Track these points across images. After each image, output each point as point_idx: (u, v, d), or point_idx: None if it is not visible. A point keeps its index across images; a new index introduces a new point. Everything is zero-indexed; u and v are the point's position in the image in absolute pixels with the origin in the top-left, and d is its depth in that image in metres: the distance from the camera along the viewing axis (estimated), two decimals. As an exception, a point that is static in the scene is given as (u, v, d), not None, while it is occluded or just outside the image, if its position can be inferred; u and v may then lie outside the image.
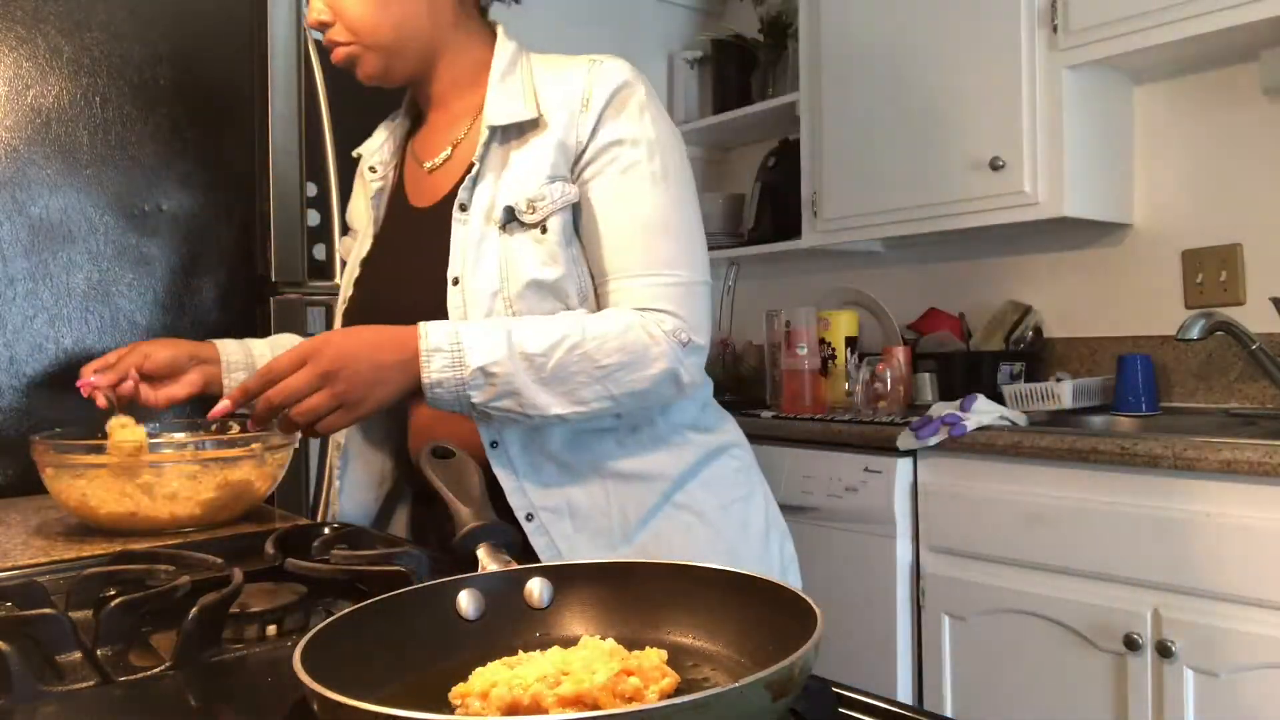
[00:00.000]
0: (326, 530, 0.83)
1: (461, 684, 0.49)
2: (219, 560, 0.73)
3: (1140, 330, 2.27)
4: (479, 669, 0.50)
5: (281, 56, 1.52)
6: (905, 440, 1.92)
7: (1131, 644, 1.61)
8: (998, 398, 2.12)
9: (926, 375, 2.38)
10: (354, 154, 1.26)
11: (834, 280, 2.81)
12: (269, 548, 0.78)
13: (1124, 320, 2.31)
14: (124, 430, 1.06)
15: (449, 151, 1.11)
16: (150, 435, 1.11)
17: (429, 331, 0.91)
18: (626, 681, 0.47)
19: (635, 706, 0.44)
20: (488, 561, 0.64)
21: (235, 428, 1.15)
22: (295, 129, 1.54)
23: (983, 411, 1.91)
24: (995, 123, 2.16)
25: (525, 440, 1.01)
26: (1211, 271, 2.15)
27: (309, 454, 1.61)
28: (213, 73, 1.48)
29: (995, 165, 2.15)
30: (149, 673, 0.57)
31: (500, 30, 1.15)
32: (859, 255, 2.78)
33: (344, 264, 1.26)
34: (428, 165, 1.13)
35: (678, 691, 0.49)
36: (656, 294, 1.00)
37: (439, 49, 1.11)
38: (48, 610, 0.61)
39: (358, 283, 1.15)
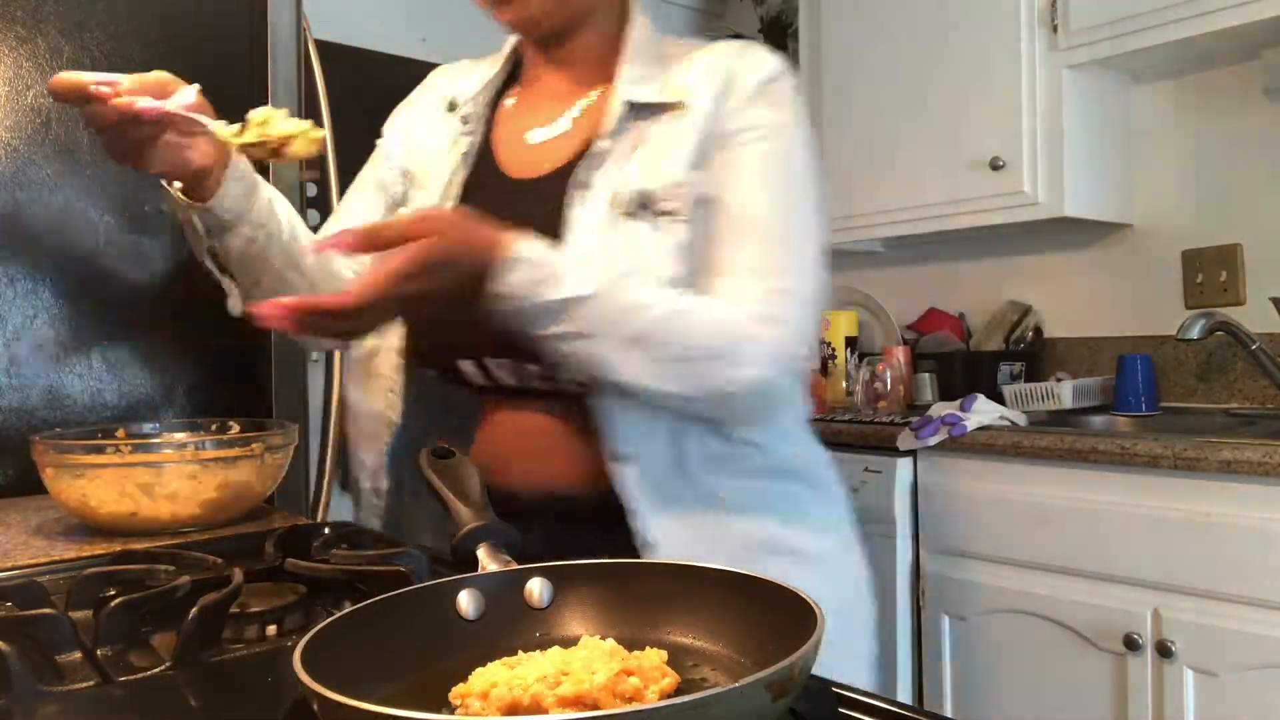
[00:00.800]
0: (326, 530, 0.83)
1: (461, 684, 0.49)
2: (219, 560, 0.73)
3: (1140, 330, 2.27)
4: (479, 669, 0.50)
5: (281, 56, 1.52)
6: (905, 440, 1.92)
7: (1131, 644, 1.61)
8: (998, 398, 2.12)
9: (926, 375, 2.38)
10: (433, 74, 1.15)
11: (834, 280, 2.81)
12: (269, 548, 0.78)
13: (1124, 320, 2.31)
14: (272, 122, 0.91)
15: (568, 123, 1.00)
16: (150, 435, 1.11)
17: (521, 242, 0.79)
18: (626, 681, 0.47)
19: (635, 706, 0.44)
20: (488, 561, 0.64)
21: (235, 427, 1.14)
22: (295, 129, 1.53)
23: (983, 411, 1.91)
24: (995, 123, 2.16)
25: (657, 461, 0.90)
26: (1211, 271, 2.15)
27: (309, 454, 1.61)
28: (213, 73, 1.47)
29: (995, 165, 2.15)
30: (149, 673, 0.57)
31: (637, 4, 1.07)
32: (859, 255, 2.78)
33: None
34: (536, 135, 1.01)
35: (678, 691, 0.49)
36: (769, 298, 0.89)
37: (593, 6, 1.02)
38: (48, 610, 0.61)
39: None
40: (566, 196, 0.92)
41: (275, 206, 1.00)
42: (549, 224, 0.90)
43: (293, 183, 1.52)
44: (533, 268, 0.78)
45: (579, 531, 0.92)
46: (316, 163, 1.67)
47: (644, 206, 0.90)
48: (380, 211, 1.11)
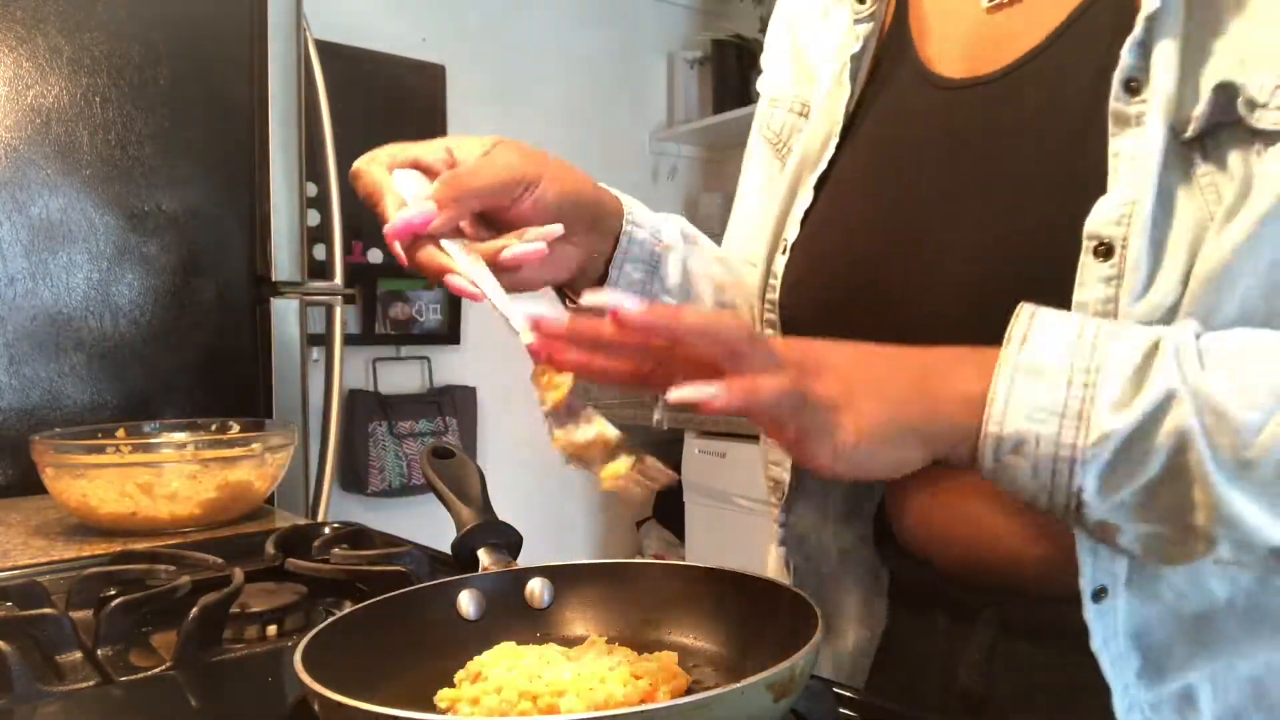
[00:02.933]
0: (326, 530, 0.83)
1: (449, 689, 0.49)
2: (219, 560, 0.73)
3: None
4: (476, 657, 0.51)
5: (281, 57, 1.52)
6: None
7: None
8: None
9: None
10: None
11: None
12: (269, 548, 0.78)
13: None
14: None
15: None
16: (150, 435, 1.11)
17: (1037, 326, 0.46)
18: (635, 685, 0.47)
19: (639, 707, 0.44)
20: (488, 561, 0.64)
21: (235, 427, 1.14)
22: (295, 129, 1.54)
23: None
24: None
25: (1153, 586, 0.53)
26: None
27: (309, 454, 1.61)
28: (213, 73, 1.47)
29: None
30: (149, 673, 0.57)
31: None
32: None
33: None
34: None
35: (688, 692, 0.49)
36: None
37: None
38: (48, 610, 0.61)
39: (811, 222, 0.66)
40: (1072, 113, 0.53)
41: (692, 279, 0.71)
42: (1039, 173, 0.54)
43: (294, 184, 1.53)
44: (1059, 378, 0.44)
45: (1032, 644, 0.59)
46: (317, 164, 1.67)
47: (1238, 122, 0.48)
48: (772, 179, 0.77)
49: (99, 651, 0.59)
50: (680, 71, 3.13)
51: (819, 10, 0.73)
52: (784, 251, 0.67)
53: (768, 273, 0.69)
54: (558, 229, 0.58)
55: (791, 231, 0.67)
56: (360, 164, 0.59)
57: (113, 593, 0.67)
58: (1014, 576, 0.58)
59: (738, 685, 0.39)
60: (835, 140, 0.66)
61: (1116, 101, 0.51)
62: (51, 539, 0.97)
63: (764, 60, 0.80)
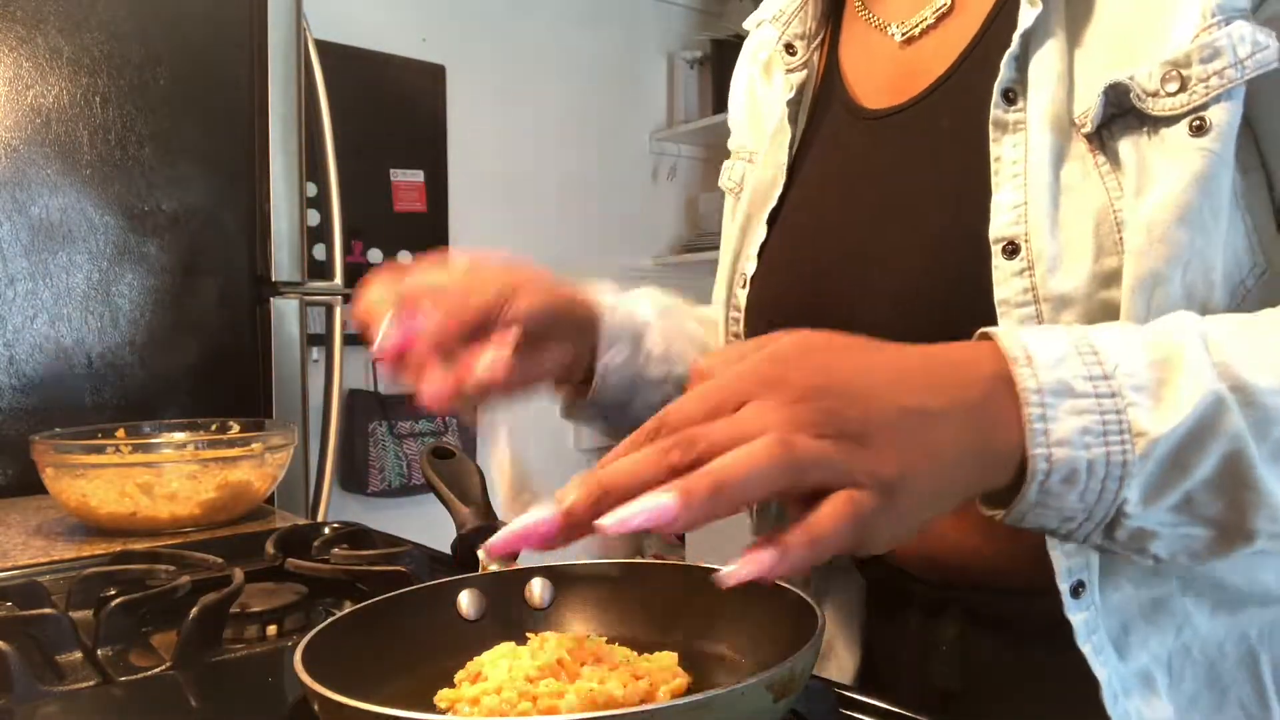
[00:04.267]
0: (326, 530, 0.83)
1: (448, 689, 0.49)
2: (219, 560, 0.73)
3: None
4: (477, 657, 0.51)
5: (281, 57, 1.52)
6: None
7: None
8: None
9: None
10: (743, 26, 0.82)
11: None
12: (269, 548, 0.78)
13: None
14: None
15: None
16: (150, 435, 1.11)
17: (1026, 338, 0.42)
18: (635, 685, 0.47)
19: (638, 707, 0.44)
20: (488, 561, 0.64)
21: (235, 427, 1.14)
22: (295, 129, 1.54)
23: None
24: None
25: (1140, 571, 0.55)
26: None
27: (309, 454, 1.61)
28: (213, 73, 1.48)
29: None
30: (149, 673, 0.57)
31: None
32: None
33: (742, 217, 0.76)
34: (900, 28, 0.65)
35: (689, 691, 0.49)
36: None
37: None
38: (48, 610, 0.61)
39: (768, 254, 0.70)
40: (978, 129, 0.56)
41: (674, 347, 0.74)
42: (960, 179, 0.57)
43: (294, 184, 1.53)
44: (1086, 390, 0.41)
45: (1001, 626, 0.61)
46: (317, 164, 1.67)
47: (1129, 112, 0.51)
48: (730, 224, 0.79)
49: (99, 651, 0.59)
50: (680, 71, 3.13)
51: (764, 64, 0.79)
52: (744, 285, 0.72)
53: (728, 305, 0.74)
54: (510, 337, 0.59)
55: (749, 266, 0.72)
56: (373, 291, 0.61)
57: (113, 593, 0.66)
58: (976, 572, 0.60)
59: (738, 685, 0.39)
60: (783, 179, 0.71)
61: (995, 109, 0.55)
62: (51, 539, 0.97)
63: (729, 110, 0.86)
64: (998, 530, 0.51)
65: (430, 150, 2.70)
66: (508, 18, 2.84)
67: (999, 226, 0.54)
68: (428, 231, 2.70)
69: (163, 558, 0.76)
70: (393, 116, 2.62)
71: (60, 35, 1.33)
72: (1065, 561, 0.53)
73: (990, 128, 0.56)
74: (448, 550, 0.75)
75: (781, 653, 0.42)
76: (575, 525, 0.37)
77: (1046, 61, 0.55)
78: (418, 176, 2.68)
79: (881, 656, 0.68)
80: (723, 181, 0.83)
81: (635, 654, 0.52)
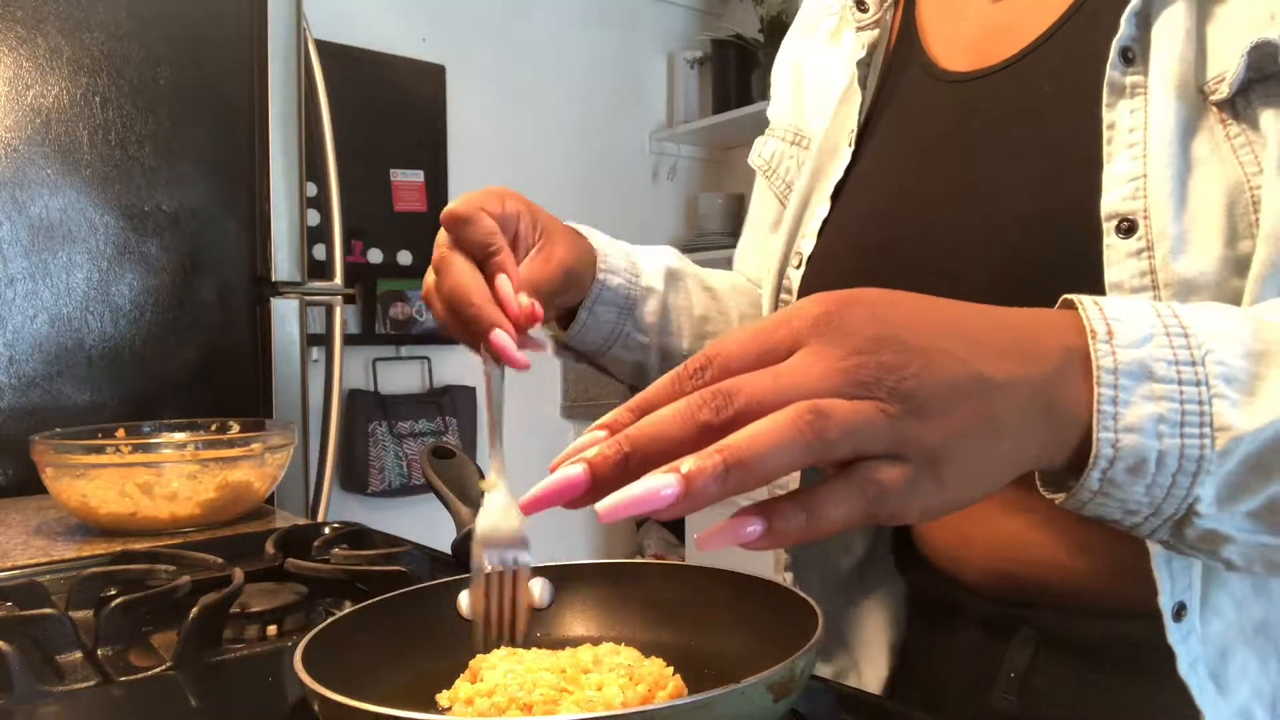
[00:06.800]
0: (326, 530, 0.83)
1: (448, 691, 0.49)
2: (219, 560, 0.73)
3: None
4: (479, 655, 0.50)
5: (281, 57, 1.52)
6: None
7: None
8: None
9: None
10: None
11: None
12: (269, 548, 0.78)
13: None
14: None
15: None
16: (150, 435, 1.11)
17: (1111, 312, 0.38)
18: (635, 689, 0.47)
19: (637, 707, 0.44)
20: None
21: (235, 427, 1.14)
22: (295, 129, 1.54)
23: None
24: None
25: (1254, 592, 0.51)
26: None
27: (309, 454, 1.61)
28: (213, 73, 1.47)
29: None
30: (149, 673, 0.57)
31: None
32: None
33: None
34: None
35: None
36: None
37: None
38: (48, 610, 0.61)
39: (829, 231, 0.65)
40: (1080, 94, 0.52)
41: (671, 317, 0.74)
42: (1049, 157, 0.53)
43: (294, 184, 1.53)
44: (1168, 373, 0.37)
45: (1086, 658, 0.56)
46: (317, 164, 1.67)
47: (1261, 80, 0.47)
48: (764, 203, 0.79)
49: (99, 651, 0.59)
50: (680, 71, 3.13)
51: (828, 32, 0.74)
52: (798, 265, 0.67)
53: (778, 287, 0.69)
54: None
55: (806, 244, 0.67)
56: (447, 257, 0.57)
57: (113, 593, 0.66)
58: (1054, 592, 0.55)
59: (738, 685, 0.39)
60: (850, 148, 0.66)
61: (1113, 70, 0.50)
62: (51, 539, 0.97)
63: (771, 89, 0.81)
64: (1093, 546, 0.49)
65: (430, 150, 2.70)
66: (508, 18, 2.84)
67: (1112, 201, 0.48)
68: (428, 231, 2.69)
69: (163, 558, 0.75)
70: (393, 116, 2.62)
71: (60, 35, 1.33)
72: (1170, 581, 0.48)
73: (1105, 90, 0.50)
74: (448, 550, 0.75)
75: (781, 653, 0.42)
76: (602, 484, 0.34)
77: (1173, 18, 0.49)
78: (418, 176, 2.68)
79: (926, 673, 0.63)
80: (752, 158, 0.79)
81: (636, 655, 0.52)
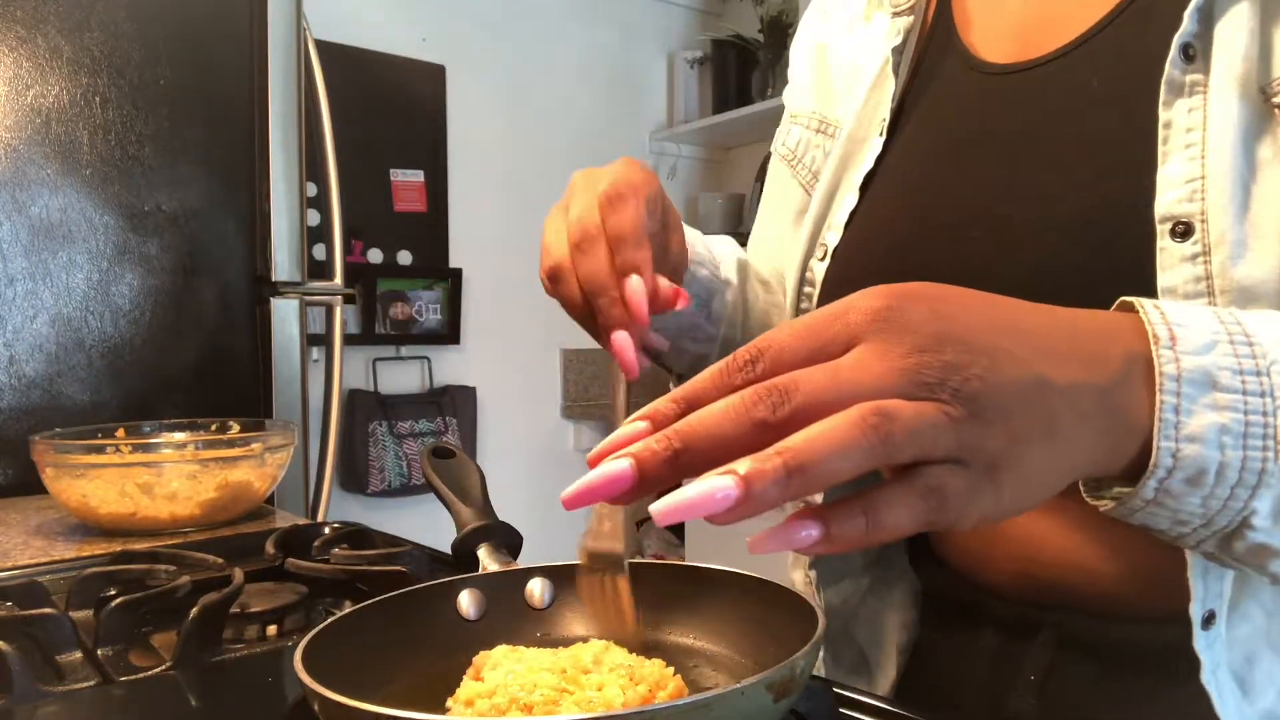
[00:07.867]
0: (326, 530, 0.83)
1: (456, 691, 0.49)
2: (219, 560, 0.73)
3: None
4: (483, 652, 0.50)
5: (281, 56, 1.52)
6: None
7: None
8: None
9: None
10: None
11: None
12: (269, 548, 0.78)
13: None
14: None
15: None
16: (150, 435, 1.11)
17: (1174, 317, 0.37)
18: (635, 690, 0.47)
19: (637, 707, 0.44)
20: (488, 561, 0.64)
21: (235, 427, 1.14)
22: (295, 129, 1.54)
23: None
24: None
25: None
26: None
27: (309, 454, 1.61)
28: (213, 73, 1.47)
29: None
30: (149, 673, 0.57)
31: None
32: None
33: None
34: None
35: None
36: None
37: None
38: (48, 610, 0.61)
39: (857, 223, 0.64)
40: (1132, 92, 0.50)
41: (740, 310, 0.73)
42: (1098, 155, 0.51)
43: (294, 184, 1.53)
44: (1232, 376, 0.36)
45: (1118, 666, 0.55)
46: (317, 164, 1.67)
47: None
48: (787, 194, 0.76)
49: (99, 651, 0.59)
50: (680, 71, 3.13)
51: (856, 16, 0.71)
52: (823, 258, 0.65)
53: (801, 280, 0.67)
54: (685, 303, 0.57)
55: (831, 236, 0.65)
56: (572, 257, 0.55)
57: (113, 593, 0.66)
58: (1078, 595, 0.54)
59: (738, 685, 0.39)
60: (881, 138, 0.64)
61: (1173, 68, 0.48)
62: (51, 539, 0.97)
63: (790, 73, 0.79)
64: (1124, 551, 0.47)
65: (430, 150, 2.70)
66: (508, 18, 2.84)
67: (1167, 203, 0.47)
68: (428, 231, 2.70)
69: (163, 558, 0.75)
70: (393, 116, 2.62)
71: (60, 35, 1.33)
72: (1204, 590, 0.47)
73: (1162, 88, 0.48)
74: (448, 550, 0.75)
75: (781, 653, 0.42)
76: (648, 481, 0.32)
77: (1238, 16, 0.47)
78: (418, 176, 2.68)
79: (941, 673, 0.62)
80: (776, 147, 0.77)
81: (636, 656, 0.52)
